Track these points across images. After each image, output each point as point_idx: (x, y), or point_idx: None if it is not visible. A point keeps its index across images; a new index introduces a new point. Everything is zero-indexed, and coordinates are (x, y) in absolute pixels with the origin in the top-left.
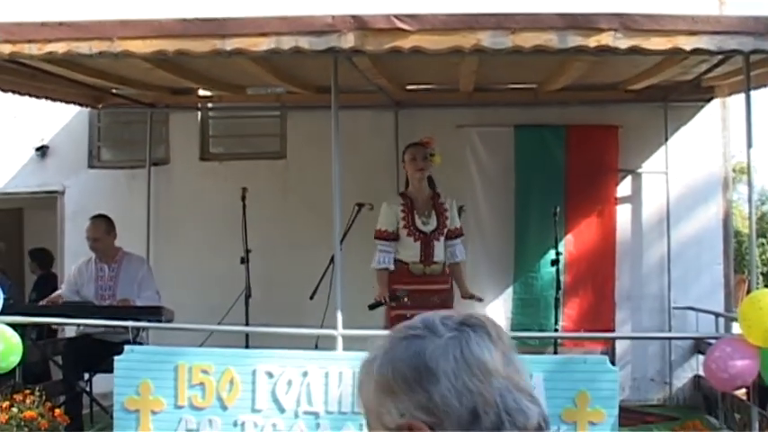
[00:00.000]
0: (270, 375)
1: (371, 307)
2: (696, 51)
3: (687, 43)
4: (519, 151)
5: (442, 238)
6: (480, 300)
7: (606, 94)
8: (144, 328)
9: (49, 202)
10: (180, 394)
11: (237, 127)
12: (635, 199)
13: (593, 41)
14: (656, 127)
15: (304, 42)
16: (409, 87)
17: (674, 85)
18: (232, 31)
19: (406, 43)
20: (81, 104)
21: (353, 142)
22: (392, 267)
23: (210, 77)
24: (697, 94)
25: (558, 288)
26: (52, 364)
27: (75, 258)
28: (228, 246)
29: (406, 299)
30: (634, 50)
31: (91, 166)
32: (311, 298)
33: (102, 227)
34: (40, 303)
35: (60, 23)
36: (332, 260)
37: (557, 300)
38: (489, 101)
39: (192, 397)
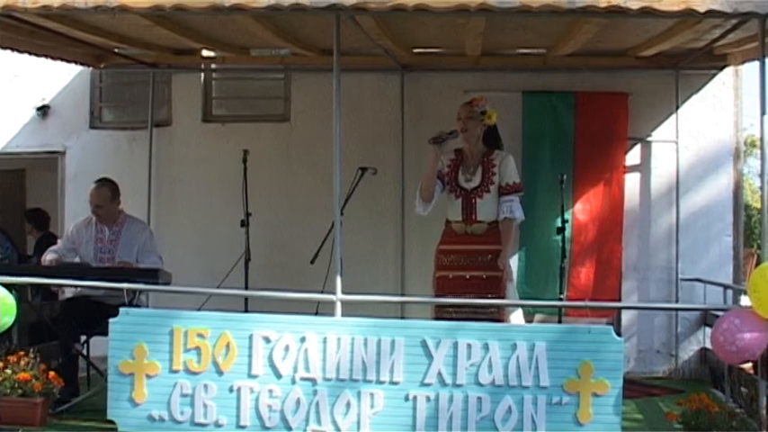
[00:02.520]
0: (267, 341)
1: (434, 140)
2: (710, 13)
3: (701, 4)
4: (527, 117)
5: (488, 195)
6: (511, 281)
7: (616, 61)
8: (143, 291)
9: (50, 162)
10: (175, 358)
11: (241, 89)
12: (644, 168)
13: (603, 1)
14: (667, 95)
15: None
16: (416, 51)
17: (685, 52)
18: None
19: (410, 0)
20: (82, 64)
21: (358, 106)
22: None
23: (213, 37)
24: (709, 61)
25: (564, 257)
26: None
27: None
28: (229, 209)
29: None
30: (645, 12)
31: (92, 127)
32: (312, 262)
33: (108, 194)
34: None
35: None
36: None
37: (561, 269)
38: (497, 66)
39: (187, 361)
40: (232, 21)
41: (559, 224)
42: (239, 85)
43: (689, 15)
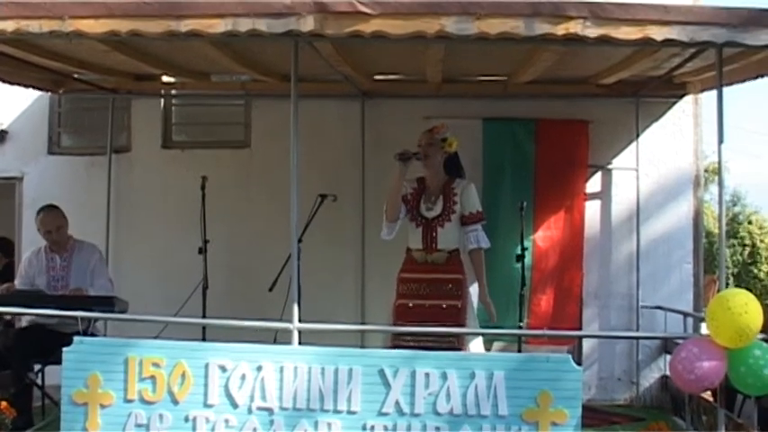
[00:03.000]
0: (223, 369)
1: (399, 157)
2: (668, 42)
3: (659, 33)
4: (487, 145)
5: (448, 224)
6: (493, 315)
7: (577, 88)
8: (98, 319)
9: (7, 189)
10: (130, 388)
11: (201, 115)
12: (604, 195)
13: (561, 29)
14: (627, 122)
15: (262, 25)
16: (376, 77)
17: (645, 80)
18: (187, 11)
19: (368, 27)
20: (40, 89)
21: (318, 132)
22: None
23: (173, 63)
24: (669, 89)
25: (523, 285)
26: None
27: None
28: (188, 236)
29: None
30: (604, 40)
31: (51, 153)
32: (270, 290)
33: (61, 216)
34: None
35: (9, 0)
36: (288, 259)
37: (521, 296)
38: (458, 92)
39: (142, 391)
40: (190, 46)
41: (519, 251)
42: (199, 111)
43: (647, 44)
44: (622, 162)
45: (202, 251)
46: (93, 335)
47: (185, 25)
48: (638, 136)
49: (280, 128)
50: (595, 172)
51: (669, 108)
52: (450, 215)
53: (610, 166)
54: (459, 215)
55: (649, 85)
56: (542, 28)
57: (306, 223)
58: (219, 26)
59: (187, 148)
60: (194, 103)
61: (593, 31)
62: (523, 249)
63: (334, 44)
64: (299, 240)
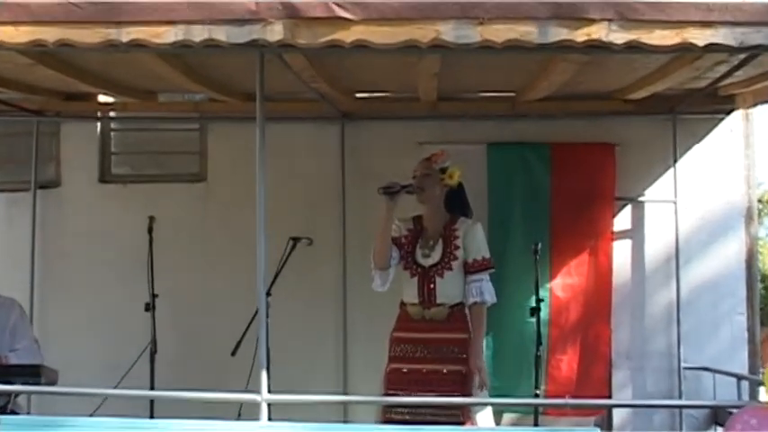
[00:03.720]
0: None
1: (384, 190)
2: (712, 47)
3: (701, 37)
4: (493, 174)
5: (449, 274)
6: (484, 383)
7: (600, 105)
8: (20, 393)
9: None
10: None
11: (147, 142)
12: (636, 233)
13: (581, 35)
14: (663, 145)
15: (220, 33)
16: (358, 95)
17: (683, 94)
18: (129, 17)
19: (348, 36)
20: None
21: (289, 162)
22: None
23: (111, 79)
24: (713, 104)
25: (540, 343)
26: None
27: None
28: (133, 289)
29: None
30: (633, 47)
31: None
32: (233, 354)
33: None
34: None
35: None
36: (256, 314)
37: (537, 357)
38: (456, 113)
39: None
40: (133, 59)
41: (534, 303)
42: (144, 138)
43: (686, 51)
44: (657, 193)
45: (150, 308)
46: (13, 412)
47: (127, 34)
48: (675, 161)
49: (242, 157)
50: (624, 206)
51: (714, 127)
52: (452, 262)
53: (642, 199)
54: (462, 262)
55: (689, 100)
56: (559, 34)
57: (275, 272)
58: (169, 35)
59: (130, 182)
60: (138, 128)
61: (620, 37)
62: (539, 301)
63: (307, 56)
64: (268, 294)
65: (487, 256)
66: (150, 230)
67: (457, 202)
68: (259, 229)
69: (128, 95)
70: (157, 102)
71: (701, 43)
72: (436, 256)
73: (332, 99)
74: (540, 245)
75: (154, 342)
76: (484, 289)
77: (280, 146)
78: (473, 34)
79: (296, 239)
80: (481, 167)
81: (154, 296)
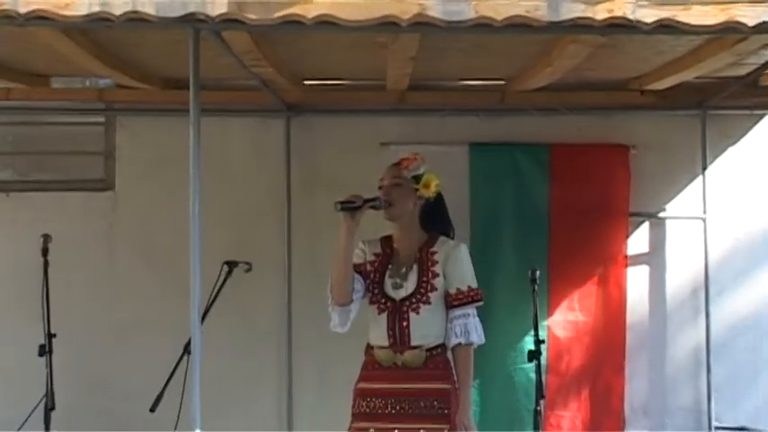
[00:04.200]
0: None
1: (342, 206)
2: (764, 27)
3: (751, 15)
4: (476, 182)
5: (426, 308)
6: None
7: (612, 97)
8: None
9: None
10: None
11: (36, 139)
12: (655, 258)
13: (601, 11)
14: (689, 148)
15: (148, 5)
16: (308, 82)
17: (717, 84)
18: None
19: (311, 10)
20: None
21: (222, 166)
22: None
23: None
24: (752, 97)
25: (541, 395)
26: None
27: None
28: (22, 327)
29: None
30: (666, 26)
31: None
32: (152, 410)
33: None
34: None
35: None
36: (186, 348)
37: (536, 412)
38: (431, 105)
39: None
40: (24, 34)
41: (532, 345)
42: (32, 134)
43: (731, 31)
44: (682, 208)
45: (45, 351)
46: None
47: (26, 3)
48: (704, 168)
49: (160, 159)
50: (641, 223)
51: (752, 125)
52: (429, 294)
53: (662, 215)
54: (443, 293)
55: (723, 91)
56: (573, 10)
57: (207, 305)
58: (81, 6)
59: (16, 190)
60: (24, 122)
61: (649, 14)
62: (539, 342)
63: (253, 35)
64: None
65: (474, 285)
66: (44, 252)
67: (435, 218)
68: (193, 252)
69: (10, 79)
70: (50, 88)
71: (750, 22)
72: (410, 286)
73: (276, 87)
74: (538, 272)
75: (50, 395)
76: (470, 327)
77: (210, 146)
78: (466, 10)
79: (231, 264)
80: (462, 174)
81: (50, 336)
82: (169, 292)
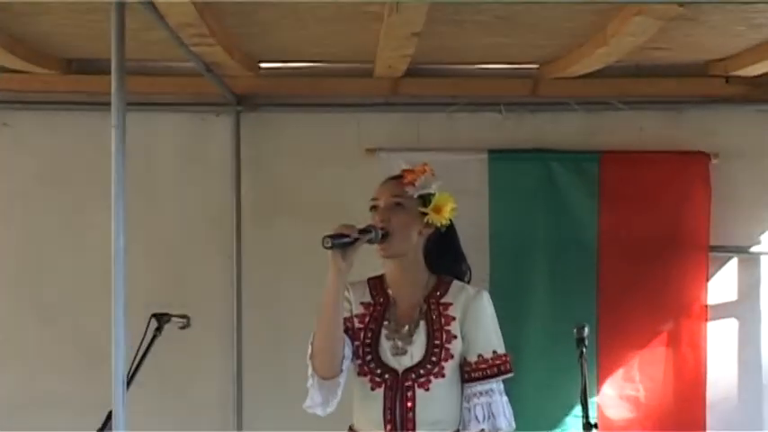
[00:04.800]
0: None
1: (333, 242)
2: None
3: None
4: (497, 205)
5: (439, 383)
6: None
7: (686, 86)
8: None
9: None
10: None
11: None
12: (747, 308)
13: None
14: None
15: None
16: (265, 65)
17: None
18: None
19: None
20: None
21: (147, 181)
22: None
23: None
24: None
25: None
26: None
27: None
28: None
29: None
30: None
31: None
32: None
33: None
34: None
35: None
36: (106, 423)
37: None
38: (435, 97)
39: None
40: None
41: (582, 426)
42: None
43: None
44: None
45: None
46: None
47: None
48: None
49: (57, 168)
50: (727, 260)
51: None
52: (443, 363)
53: (756, 248)
54: (460, 361)
55: None
56: None
57: (130, 371)
58: None
59: None
60: None
61: None
62: (590, 426)
63: (197, 2)
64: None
65: (501, 350)
66: None
67: (445, 254)
68: (116, 302)
69: None
70: None
71: None
72: (417, 351)
73: (223, 73)
74: (586, 328)
75: None
76: (497, 408)
77: (131, 152)
78: None
79: (161, 318)
80: (478, 193)
81: None
82: (86, 349)
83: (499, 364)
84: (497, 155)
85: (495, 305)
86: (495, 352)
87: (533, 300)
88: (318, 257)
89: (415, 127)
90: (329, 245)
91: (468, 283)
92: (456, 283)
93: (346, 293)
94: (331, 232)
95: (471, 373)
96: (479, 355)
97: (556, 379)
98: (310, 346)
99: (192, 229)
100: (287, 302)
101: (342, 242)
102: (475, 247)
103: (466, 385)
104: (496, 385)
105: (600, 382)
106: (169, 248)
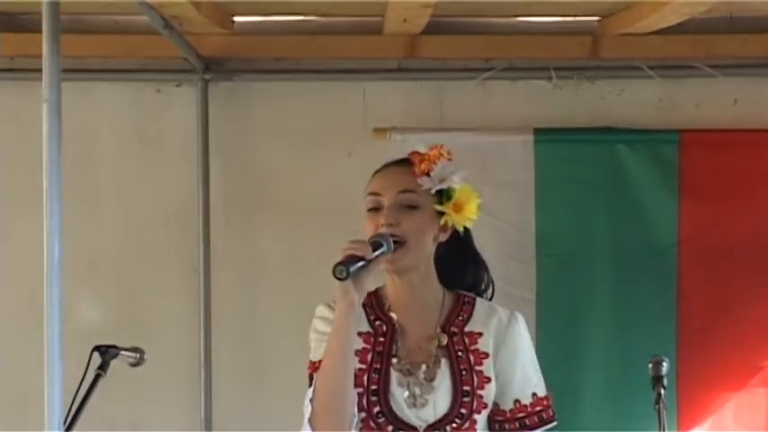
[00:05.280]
0: None
1: (349, 270)
2: None
3: None
4: (546, 197)
5: None
6: None
7: None
8: None
9: None
10: None
11: None
12: None
13: None
14: None
15: None
16: (241, 19)
17: None
18: None
19: None
20: None
21: (86, 169)
22: None
23: None
24: None
25: None
26: None
27: None
28: None
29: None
30: None
31: None
32: None
33: None
34: None
35: None
36: None
37: None
38: (463, 61)
39: None
40: None
41: None
42: None
43: None
44: None
45: None
46: None
47: None
48: None
49: None
50: None
51: None
52: (475, 415)
53: None
54: (492, 405)
55: None
56: None
57: (65, 422)
58: None
59: None
60: None
61: None
62: None
63: None
64: None
65: (543, 392)
66: None
67: (461, 264)
68: (50, 330)
69: None
70: None
71: None
72: (441, 401)
73: (186, 29)
74: (665, 363)
75: None
76: None
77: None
78: None
79: (106, 351)
80: (521, 184)
81: None
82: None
83: (540, 411)
84: (546, 136)
85: (545, 333)
86: (535, 395)
87: (595, 326)
88: (308, 269)
89: (439, 100)
90: (344, 275)
91: (491, 299)
92: (481, 302)
93: (331, 315)
94: (341, 259)
95: (506, 423)
96: (516, 402)
97: (626, 428)
98: (309, 405)
99: (146, 235)
100: (268, 328)
101: (358, 268)
102: (517, 255)
103: None
104: None
105: (683, 430)
106: (118, 260)
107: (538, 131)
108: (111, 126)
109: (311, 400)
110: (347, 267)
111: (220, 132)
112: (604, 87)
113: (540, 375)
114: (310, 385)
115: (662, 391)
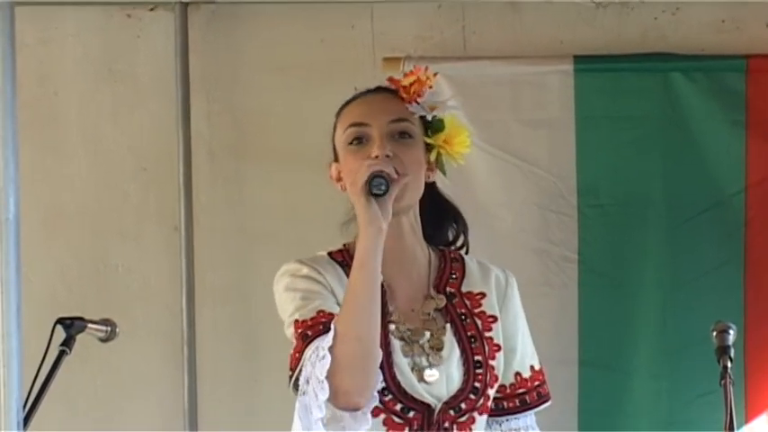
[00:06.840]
0: None
1: (381, 185)
2: None
3: None
4: (588, 144)
5: (482, 421)
6: None
7: None
8: None
9: None
10: None
11: None
12: None
13: None
14: None
15: None
16: None
17: None
18: None
19: None
20: None
21: (48, 114)
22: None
23: None
24: None
25: None
26: None
27: None
28: None
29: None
30: None
31: None
32: None
33: None
34: None
35: None
36: None
37: None
38: None
39: None
40: None
41: None
42: None
43: None
44: None
45: None
46: None
47: None
48: None
49: None
50: None
51: None
52: (488, 389)
53: None
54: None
55: None
56: None
57: (25, 405)
58: None
59: None
60: None
61: None
62: None
63: None
64: None
65: (538, 364)
66: None
67: (440, 217)
68: (8, 299)
69: None
70: None
71: None
72: (455, 372)
73: None
74: (732, 331)
75: None
76: None
77: (23, 67)
78: None
79: (71, 324)
80: (559, 124)
81: None
82: None
83: (538, 387)
84: (588, 64)
85: (589, 297)
86: (532, 368)
87: (648, 290)
88: (306, 226)
89: (460, 23)
90: (383, 189)
91: (467, 253)
92: (469, 258)
93: (319, 276)
94: (372, 171)
95: (505, 401)
96: (518, 375)
97: (685, 410)
98: (326, 356)
99: (118, 187)
100: (259, 294)
101: (380, 184)
102: (555, 207)
103: (494, 420)
104: (531, 417)
105: (750, 412)
106: (84, 217)
107: (578, 59)
108: (74, 58)
109: (330, 349)
110: (370, 181)
111: (202, 65)
112: (657, 6)
113: (534, 348)
114: (305, 344)
115: (728, 365)
